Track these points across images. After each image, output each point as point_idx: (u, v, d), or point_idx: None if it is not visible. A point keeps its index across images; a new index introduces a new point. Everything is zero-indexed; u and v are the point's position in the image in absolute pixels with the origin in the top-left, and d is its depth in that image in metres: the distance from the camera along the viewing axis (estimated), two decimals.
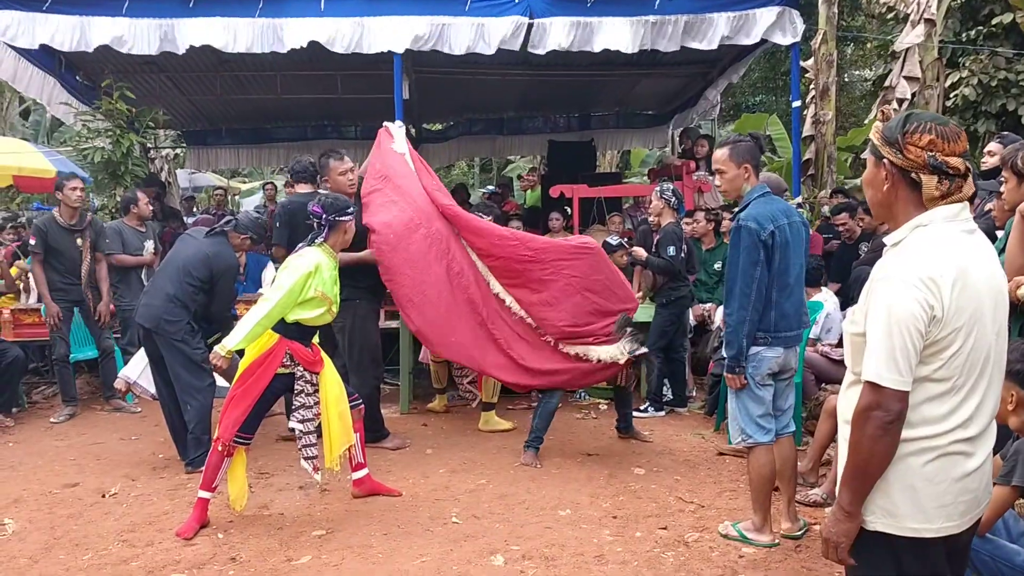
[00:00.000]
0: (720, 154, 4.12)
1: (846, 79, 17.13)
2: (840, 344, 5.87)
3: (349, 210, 4.57)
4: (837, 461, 4.56)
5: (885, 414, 1.97)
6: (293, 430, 4.48)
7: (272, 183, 14.71)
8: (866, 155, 2.21)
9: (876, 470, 2.03)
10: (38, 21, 7.33)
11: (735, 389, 4.04)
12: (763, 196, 4.01)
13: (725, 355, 4.06)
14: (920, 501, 2.03)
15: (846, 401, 2.14)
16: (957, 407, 2.02)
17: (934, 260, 1.99)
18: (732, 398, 4.12)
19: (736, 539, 4.11)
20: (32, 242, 6.81)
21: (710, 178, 9.78)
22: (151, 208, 7.33)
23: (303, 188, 6.05)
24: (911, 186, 2.08)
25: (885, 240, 2.15)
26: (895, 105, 8.17)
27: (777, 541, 4.09)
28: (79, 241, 6.88)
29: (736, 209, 4.13)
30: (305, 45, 7.32)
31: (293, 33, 7.30)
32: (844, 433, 2.12)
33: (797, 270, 4.02)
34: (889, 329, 1.96)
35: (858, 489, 2.05)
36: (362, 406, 4.85)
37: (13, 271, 8.26)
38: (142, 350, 5.57)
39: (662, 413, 6.77)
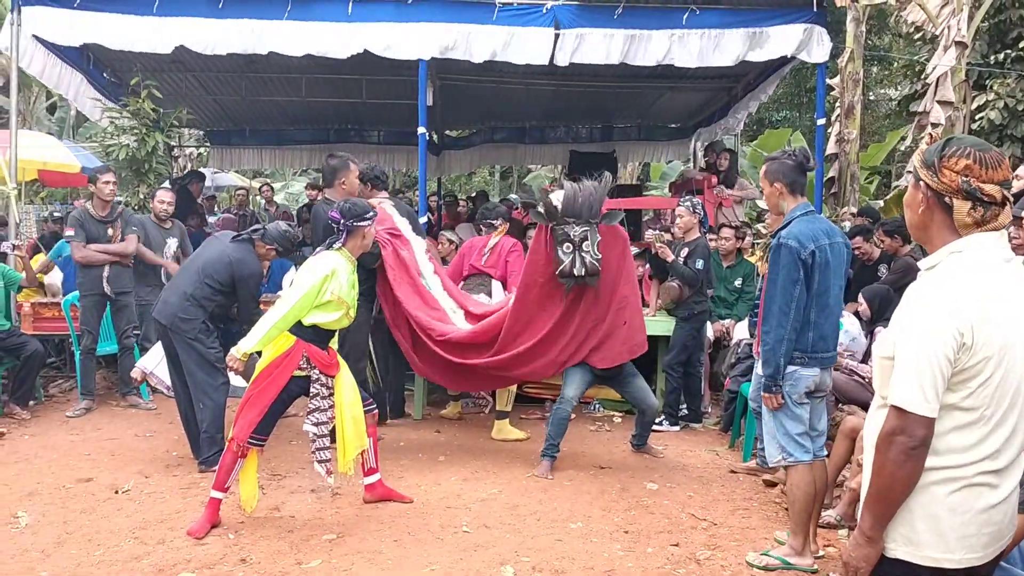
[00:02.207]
0: (760, 171, 4.15)
1: (871, 97, 17.06)
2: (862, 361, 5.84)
3: (368, 215, 4.57)
4: (849, 483, 4.56)
5: (909, 439, 1.95)
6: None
7: (269, 185, 14.77)
8: (902, 179, 2.19)
9: (898, 496, 2.00)
10: (70, 18, 7.39)
11: (772, 408, 3.99)
12: (806, 215, 3.97)
13: (762, 373, 3.99)
14: (942, 531, 2.00)
15: (872, 425, 2.11)
16: (985, 437, 1.99)
17: (967, 287, 1.96)
18: (768, 417, 4.05)
19: (779, 567, 3.99)
20: (71, 232, 6.90)
21: (729, 193, 9.76)
22: (164, 206, 7.38)
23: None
24: (945, 210, 2.05)
25: (920, 264, 2.13)
26: (930, 130, 8.11)
27: (816, 567, 4.02)
28: (110, 231, 6.98)
29: (778, 227, 4.09)
30: (334, 54, 7.36)
31: (318, 38, 7.34)
32: (869, 457, 2.10)
33: (836, 291, 3.98)
34: (918, 354, 1.94)
35: (880, 514, 2.03)
36: (376, 411, 4.85)
37: (34, 262, 8.30)
38: (160, 342, 5.61)
39: (677, 428, 6.73)
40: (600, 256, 5.25)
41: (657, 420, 6.71)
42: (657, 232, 7.09)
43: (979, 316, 1.94)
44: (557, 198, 5.27)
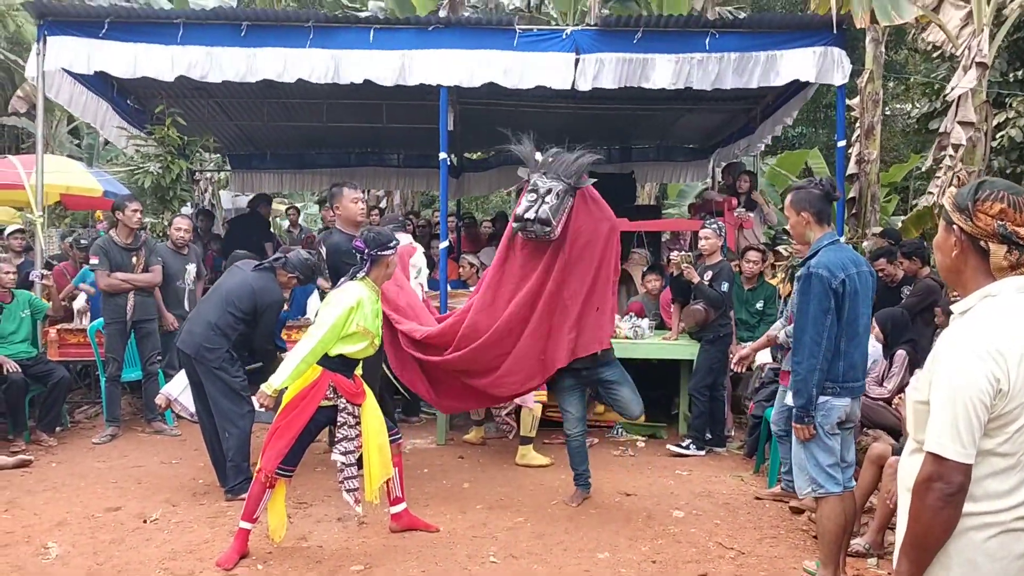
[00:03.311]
0: (786, 200, 4.14)
1: (887, 112, 16.99)
2: (881, 384, 5.83)
3: (391, 244, 4.60)
4: (877, 516, 4.53)
5: (946, 486, 1.94)
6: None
7: (295, 208, 14.95)
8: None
9: (935, 542, 1.99)
10: (94, 48, 7.50)
11: (803, 440, 3.97)
12: (833, 244, 3.97)
13: (793, 405, 3.97)
14: None
15: (907, 469, 2.11)
16: (1022, 483, 1.98)
17: (1002, 331, 1.95)
18: (799, 449, 4.03)
19: None
20: (95, 261, 6.99)
21: (750, 215, 9.74)
22: (181, 233, 7.47)
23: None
24: (980, 254, 2.05)
25: (952, 308, 2.13)
26: (951, 151, 8.05)
27: None
28: (134, 259, 7.08)
29: (806, 256, 4.08)
30: (357, 80, 7.44)
31: (342, 66, 7.41)
32: (904, 501, 2.09)
33: (865, 320, 3.96)
34: (953, 400, 1.93)
35: (916, 560, 2.02)
36: (401, 440, 4.87)
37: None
38: (184, 370, 5.65)
39: (703, 452, 6.70)
40: (560, 217, 5.08)
41: (684, 444, 6.71)
42: (684, 253, 7.06)
43: (1015, 361, 1.93)
44: (541, 154, 5.25)
